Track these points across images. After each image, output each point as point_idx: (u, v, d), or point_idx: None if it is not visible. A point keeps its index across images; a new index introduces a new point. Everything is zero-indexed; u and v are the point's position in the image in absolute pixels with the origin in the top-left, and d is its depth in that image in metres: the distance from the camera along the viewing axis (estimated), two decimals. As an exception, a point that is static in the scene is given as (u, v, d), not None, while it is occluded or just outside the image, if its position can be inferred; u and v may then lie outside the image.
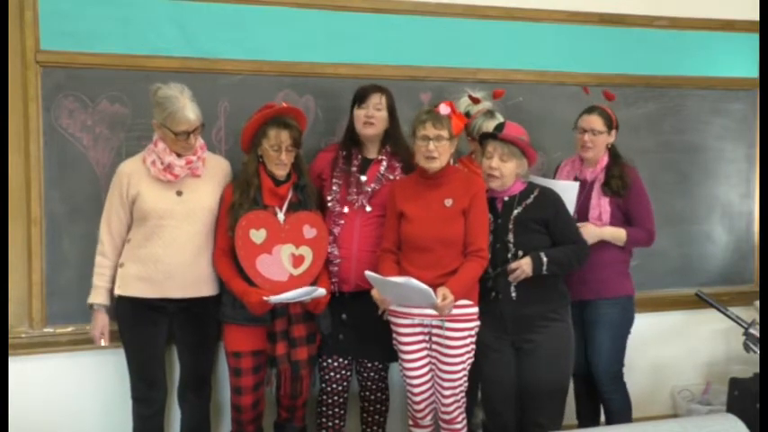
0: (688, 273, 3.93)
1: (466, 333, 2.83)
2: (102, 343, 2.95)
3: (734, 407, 3.45)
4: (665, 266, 3.87)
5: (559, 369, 2.91)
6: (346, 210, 3.01)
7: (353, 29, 3.38)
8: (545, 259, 2.81)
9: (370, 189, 3.02)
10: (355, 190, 3.02)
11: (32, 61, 3.00)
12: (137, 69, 3.10)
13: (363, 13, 3.39)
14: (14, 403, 2.83)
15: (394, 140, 3.07)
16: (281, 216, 2.88)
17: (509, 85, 3.49)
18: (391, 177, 3.04)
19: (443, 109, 2.82)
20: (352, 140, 3.08)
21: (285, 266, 2.86)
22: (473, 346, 2.87)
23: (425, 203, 2.84)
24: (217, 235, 2.91)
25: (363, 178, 3.04)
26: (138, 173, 2.87)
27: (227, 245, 2.86)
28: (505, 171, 2.86)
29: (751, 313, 3.65)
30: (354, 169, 3.05)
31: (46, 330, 3.09)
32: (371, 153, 3.08)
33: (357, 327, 3.02)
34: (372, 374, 3.14)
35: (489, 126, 3.04)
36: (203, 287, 2.92)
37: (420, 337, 2.88)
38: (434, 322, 2.84)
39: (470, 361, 2.88)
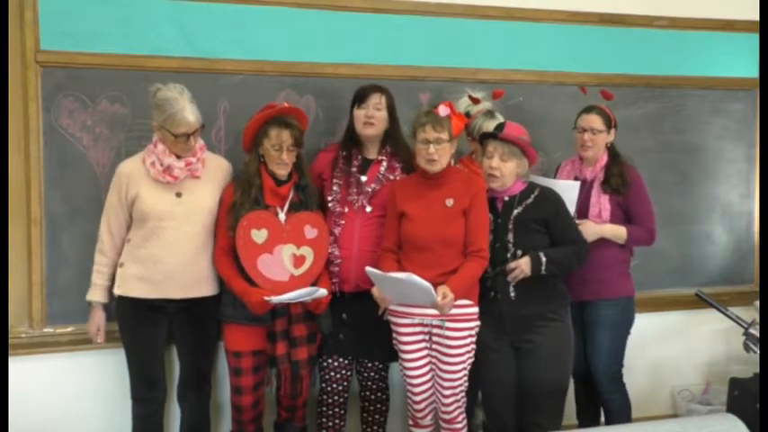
0: (688, 273, 3.93)
1: (466, 333, 2.83)
2: (99, 340, 2.96)
3: (734, 407, 3.44)
4: (665, 266, 3.87)
5: (559, 369, 2.91)
6: (346, 210, 3.02)
7: (353, 29, 3.38)
8: (544, 259, 2.81)
9: (370, 189, 3.02)
10: (355, 190, 3.02)
11: (32, 61, 3.00)
12: (137, 69, 3.10)
13: (363, 13, 3.39)
14: (14, 403, 2.83)
15: (394, 141, 3.07)
16: (282, 216, 2.88)
17: (509, 85, 3.49)
18: (391, 178, 3.04)
19: (442, 110, 2.82)
20: (353, 140, 3.08)
21: (286, 266, 2.86)
22: (473, 346, 2.86)
23: (426, 203, 2.84)
24: (217, 234, 2.91)
25: (363, 178, 3.04)
26: (137, 173, 2.87)
27: (227, 244, 2.86)
28: (506, 171, 2.86)
29: (751, 313, 3.65)
30: (354, 170, 3.05)
31: (46, 330, 3.09)
32: (371, 153, 3.08)
33: (357, 327, 3.02)
34: (372, 374, 3.14)
35: (489, 126, 3.04)
36: (203, 287, 2.92)
37: (420, 337, 2.88)
38: (435, 322, 2.84)
39: (470, 361, 2.88)
